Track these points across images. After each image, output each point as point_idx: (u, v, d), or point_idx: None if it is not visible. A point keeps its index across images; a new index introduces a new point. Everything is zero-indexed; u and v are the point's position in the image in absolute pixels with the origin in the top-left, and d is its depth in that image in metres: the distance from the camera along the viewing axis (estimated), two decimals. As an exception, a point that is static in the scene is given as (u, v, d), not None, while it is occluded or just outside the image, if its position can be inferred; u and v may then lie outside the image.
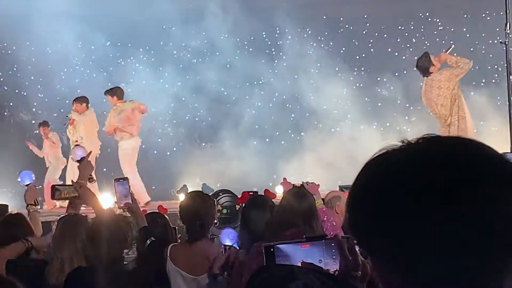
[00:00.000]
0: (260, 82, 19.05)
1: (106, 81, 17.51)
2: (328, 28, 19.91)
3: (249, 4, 18.38)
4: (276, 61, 19.24)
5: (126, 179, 5.39)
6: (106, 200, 9.83)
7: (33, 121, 18.56)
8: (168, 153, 18.08)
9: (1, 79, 18.85)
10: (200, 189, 5.67)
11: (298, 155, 17.13)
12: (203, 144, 18.46)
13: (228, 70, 18.83)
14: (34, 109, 18.53)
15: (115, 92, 14.00)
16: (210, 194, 5.62)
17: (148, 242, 5.01)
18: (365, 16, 19.96)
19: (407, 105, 18.29)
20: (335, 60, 19.13)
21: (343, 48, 19.78)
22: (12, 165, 16.61)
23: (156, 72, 18.89)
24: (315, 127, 18.19)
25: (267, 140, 18.33)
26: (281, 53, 19.34)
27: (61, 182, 14.05)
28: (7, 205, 6.97)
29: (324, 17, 19.84)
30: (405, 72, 18.03)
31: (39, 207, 5.95)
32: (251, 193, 6.18)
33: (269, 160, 16.97)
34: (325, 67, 18.86)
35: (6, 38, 18.56)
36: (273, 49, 19.58)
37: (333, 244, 2.29)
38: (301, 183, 6.02)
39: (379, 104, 18.70)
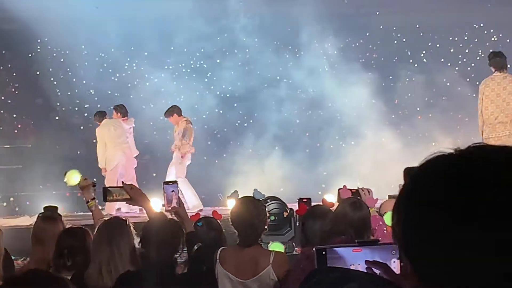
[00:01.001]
0: (310, 90, 19.01)
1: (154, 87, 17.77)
2: (380, 37, 19.79)
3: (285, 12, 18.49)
4: (323, 69, 19.19)
5: (175, 182, 5.40)
6: (155, 204, 9.89)
7: (81, 127, 18.83)
8: (205, 158, 18.06)
9: (54, 83, 19.08)
10: (251, 195, 5.62)
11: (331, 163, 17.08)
12: (246, 150, 18.40)
13: (261, 77, 18.88)
14: (86, 114, 18.73)
15: (175, 110, 14.13)
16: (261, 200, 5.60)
17: (196, 247, 5.02)
18: (417, 26, 19.79)
19: (460, 116, 18.06)
20: (387, 69, 19.05)
21: (396, 58, 19.64)
22: (63, 168, 16.86)
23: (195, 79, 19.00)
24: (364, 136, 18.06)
25: (307, 150, 18.28)
26: (332, 61, 19.26)
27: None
28: (56, 207, 7.03)
29: (381, 26, 19.72)
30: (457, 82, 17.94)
31: (97, 201, 6.01)
32: (305, 200, 6.15)
33: (310, 167, 16.92)
34: (378, 77, 18.77)
35: (59, 42, 18.80)
36: (324, 59, 19.52)
37: (384, 250, 2.29)
38: (356, 188, 6.00)
39: (430, 115, 18.55)
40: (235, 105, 19.12)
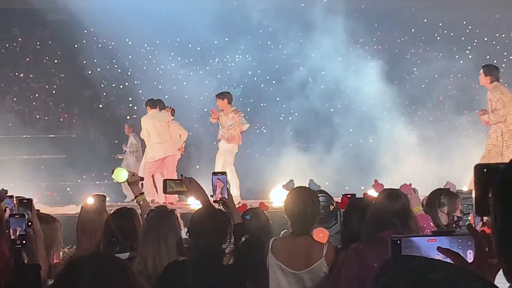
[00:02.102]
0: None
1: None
2: (426, 33, 19.66)
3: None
4: (369, 64, 19.11)
5: (224, 173, 5.40)
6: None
7: (128, 117, 18.94)
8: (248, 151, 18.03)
9: (100, 74, 19.25)
10: (307, 186, 5.60)
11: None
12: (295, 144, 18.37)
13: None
14: (130, 104, 18.86)
15: (227, 96, 13.98)
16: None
17: (243, 239, 5.02)
18: (464, 22, 19.60)
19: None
20: (433, 64, 18.91)
21: (440, 54, 19.47)
22: (107, 159, 17.07)
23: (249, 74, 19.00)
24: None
25: (351, 144, 18.17)
26: (376, 57, 19.16)
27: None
28: (104, 196, 7.06)
29: (425, 20, 19.56)
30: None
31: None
32: (349, 196, 6.13)
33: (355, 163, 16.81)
34: (422, 71, 18.63)
35: (106, 34, 18.94)
36: (368, 56, 19.42)
37: (460, 241, 2.28)
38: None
39: (475, 111, 18.27)
40: (278, 99, 19.11)
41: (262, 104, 18.96)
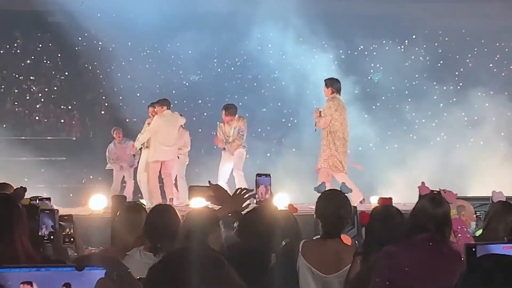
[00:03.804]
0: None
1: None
2: (427, 41, 19.74)
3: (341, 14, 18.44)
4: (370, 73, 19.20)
5: (268, 175, 5.41)
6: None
7: (127, 120, 18.88)
8: (268, 154, 17.98)
9: (100, 77, 19.23)
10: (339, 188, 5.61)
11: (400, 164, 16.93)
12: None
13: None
14: (129, 107, 18.80)
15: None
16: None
17: (284, 243, 5.05)
18: (463, 31, 19.69)
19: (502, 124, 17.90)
20: (432, 74, 18.99)
21: (441, 62, 19.58)
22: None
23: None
24: (411, 139, 17.93)
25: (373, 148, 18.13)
26: (378, 65, 19.24)
27: None
28: (125, 196, 7.10)
29: (426, 31, 19.67)
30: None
31: None
32: (386, 199, 6.17)
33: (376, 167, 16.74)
34: (422, 80, 18.72)
35: (106, 36, 18.93)
36: (372, 64, 19.48)
37: None
38: (438, 189, 5.96)
39: (475, 117, 18.33)
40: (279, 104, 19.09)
41: (263, 109, 18.89)
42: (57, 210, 5.14)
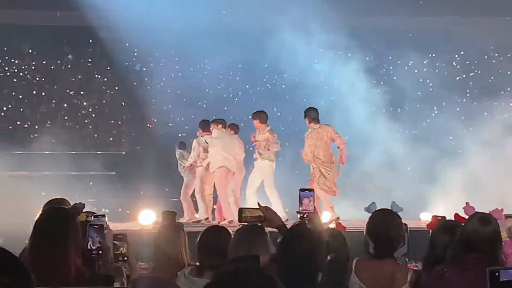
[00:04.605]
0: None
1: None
2: (448, 52, 19.71)
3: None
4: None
5: (311, 190, 5.41)
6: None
7: (179, 134, 18.86)
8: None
9: (150, 92, 19.38)
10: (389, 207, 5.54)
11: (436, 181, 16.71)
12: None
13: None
14: (180, 122, 18.91)
15: (257, 116, 14.09)
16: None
17: (329, 258, 4.97)
18: (492, 48, 19.63)
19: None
20: (452, 86, 18.92)
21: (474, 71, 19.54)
22: (157, 176, 17.17)
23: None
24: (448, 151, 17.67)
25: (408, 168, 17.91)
26: (394, 77, 19.12)
27: None
28: (175, 212, 7.11)
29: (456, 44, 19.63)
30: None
31: None
32: (439, 218, 6.07)
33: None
34: (442, 93, 18.76)
35: (156, 52, 19.12)
36: (393, 76, 19.33)
37: None
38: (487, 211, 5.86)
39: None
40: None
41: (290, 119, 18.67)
42: (107, 225, 5.14)
